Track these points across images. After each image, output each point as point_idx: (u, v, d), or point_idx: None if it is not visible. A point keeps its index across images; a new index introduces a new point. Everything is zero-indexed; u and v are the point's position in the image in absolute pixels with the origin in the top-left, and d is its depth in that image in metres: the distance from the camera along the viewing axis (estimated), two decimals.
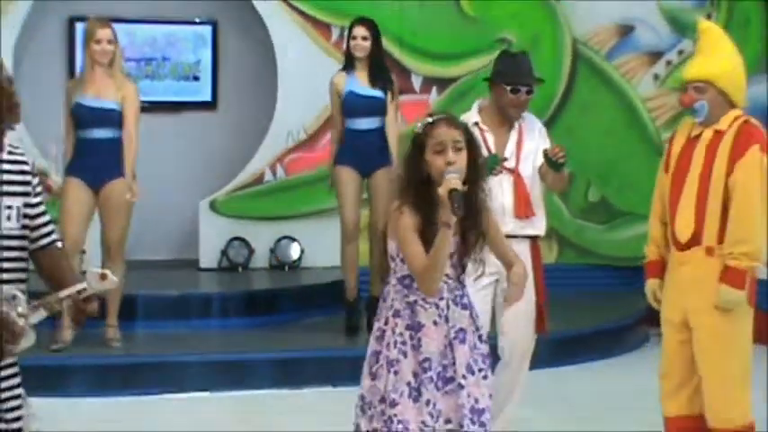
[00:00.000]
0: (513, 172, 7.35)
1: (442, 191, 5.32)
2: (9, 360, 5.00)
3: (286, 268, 11.99)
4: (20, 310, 4.82)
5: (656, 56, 12.51)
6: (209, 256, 11.97)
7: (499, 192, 7.24)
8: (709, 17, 12.00)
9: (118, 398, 9.14)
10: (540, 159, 7.40)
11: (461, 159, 5.45)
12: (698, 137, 7.10)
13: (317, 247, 11.75)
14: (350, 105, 10.16)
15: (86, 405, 8.82)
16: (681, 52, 12.40)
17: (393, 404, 5.51)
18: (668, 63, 12.48)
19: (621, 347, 11.15)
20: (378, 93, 10.17)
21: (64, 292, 4.96)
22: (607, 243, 12.53)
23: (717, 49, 7.23)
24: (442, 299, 5.56)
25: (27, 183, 5.07)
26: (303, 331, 10.42)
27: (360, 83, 10.18)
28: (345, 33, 10.62)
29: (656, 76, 12.54)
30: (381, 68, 10.30)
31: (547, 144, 7.63)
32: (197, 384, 9.44)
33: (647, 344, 11.42)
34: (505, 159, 7.30)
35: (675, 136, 7.34)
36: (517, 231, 7.37)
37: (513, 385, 7.54)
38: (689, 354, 7.13)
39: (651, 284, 7.35)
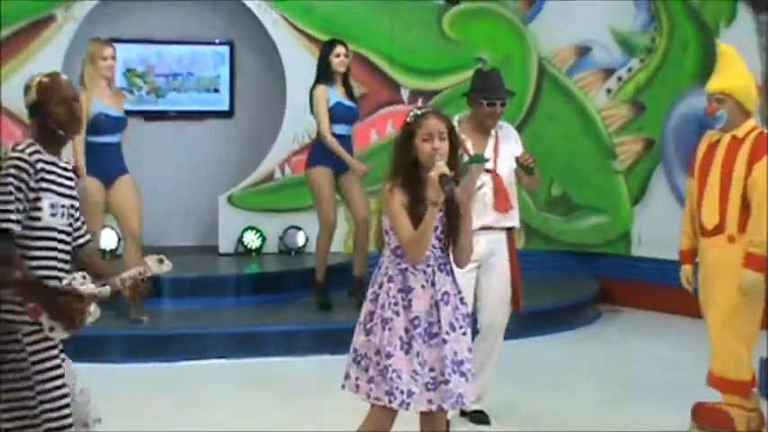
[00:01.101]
0: (492, 172, 7.36)
1: (433, 174, 5.38)
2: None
3: (293, 253, 12.02)
4: (89, 287, 4.90)
5: (608, 72, 12.42)
6: (226, 242, 12.00)
7: (481, 190, 7.34)
8: (653, 40, 12.02)
9: (147, 364, 9.18)
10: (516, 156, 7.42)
11: (445, 147, 5.52)
12: (718, 142, 7.35)
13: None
14: (337, 114, 10.09)
15: (120, 370, 8.86)
16: (630, 69, 12.28)
17: (388, 356, 5.55)
18: (619, 79, 12.36)
19: (578, 322, 11.18)
20: (353, 104, 10.21)
21: (127, 273, 5.06)
22: (567, 232, 12.48)
23: (733, 66, 7.49)
24: (429, 266, 5.60)
25: (74, 188, 5.15)
26: (306, 307, 10.39)
27: (339, 95, 10.13)
28: (320, 49, 10.45)
29: (608, 90, 12.43)
30: (348, 82, 10.29)
31: (521, 149, 7.63)
32: (215, 353, 9.48)
33: (599, 319, 11.51)
34: (487, 160, 7.29)
35: (699, 146, 7.53)
36: (496, 224, 7.45)
37: (490, 354, 7.59)
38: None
39: (684, 270, 7.64)
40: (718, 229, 7.34)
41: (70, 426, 4.99)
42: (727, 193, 7.28)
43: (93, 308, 5.00)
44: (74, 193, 5.16)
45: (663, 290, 11.50)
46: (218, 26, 12.29)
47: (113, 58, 9.51)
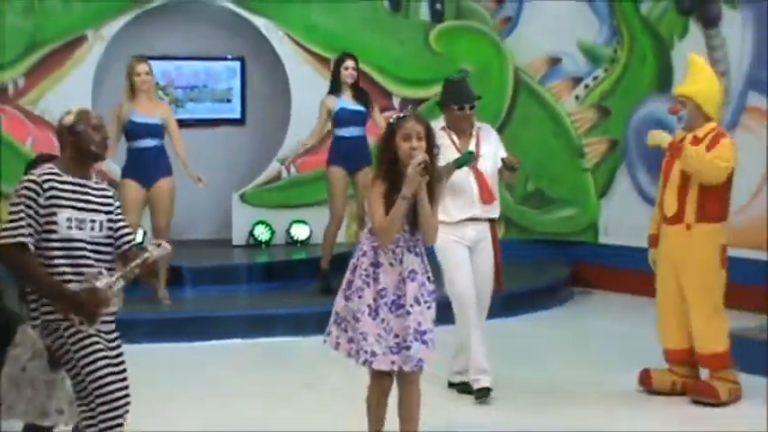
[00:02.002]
0: (475, 169, 7.39)
1: (413, 164, 5.54)
2: (109, 319, 5.19)
3: (298, 245, 11.99)
4: (106, 281, 5.00)
5: (576, 81, 12.39)
6: (239, 235, 12.01)
7: (467, 184, 7.37)
8: (615, 52, 12.02)
9: (170, 344, 9.20)
10: (498, 160, 7.44)
11: (422, 146, 5.62)
12: (682, 140, 7.42)
13: (322, 228, 11.29)
14: (343, 119, 10.16)
15: (146, 350, 8.80)
16: (595, 78, 12.26)
17: (357, 320, 5.72)
18: (586, 86, 12.34)
19: (552, 303, 11.17)
20: (361, 108, 10.22)
21: (134, 263, 5.16)
22: (541, 223, 12.48)
23: (699, 74, 7.57)
24: (398, 246, 5.73)
25: (110, 204, 5.26)
26: (311, 293, 10.35)
27: (347, 101, 10.17)
28: (332, 63, 10.54)
29: (576, 97, 12.41)
30: (360, 89, 10.32)
31: (501, 148, 7.66)
32: (230, 334, 9.48)
33: (571, 300, 11.51)
34: (477, 158, 7.34)
35: (669, 146, 7.61)
36: (482, 215, 7.50)
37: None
38: (676, 301, 7.55)
39: (651, 253, 7.80)
40: (677, 218, 7.44)
41: (119, 399, 5.08)
42: (686, 185, 7.37)
43: (116, 299, 5.11)
44: (109, 209, 5.26)
45: (627, 273, 11.52)
46: (230, 44, 12.28)
47: (147, 73, 9.54)
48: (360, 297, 5.76)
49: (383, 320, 5.74)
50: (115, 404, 5.06)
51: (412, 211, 5.71)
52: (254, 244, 11.96)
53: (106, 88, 11.48)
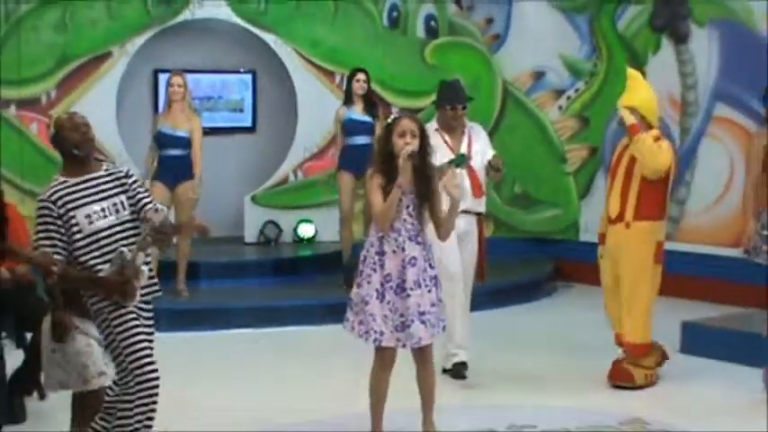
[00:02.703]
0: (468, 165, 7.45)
1: (403, 155, 5.77)
2: (147, 306, 5.29)
3: (305, 242, 12.00)
4: (127, 258, 5.07)
5: (559, 93, 12.44)
6: (251, 233, 12.02)
7: (460, 179, 7.52)
8: (595, 66, 12.07)
9: (187, 333, 9.27)
10: (488, 158, 7.59)
11: (415, 142, 5.81)
12: (626, 147, 7.53)
13: (327, 227, 11.79)
14: (351, 128, 10.32)
15: (166, 338, 8.76)
16: (577, 90, 12.31)
17: (366, 303, 5.88)
18: (568, 98, 12.39)
19: (537, 295, 11.25)
20: (369, 119, 10.36)
21: (143, 234, 5.19)
22: (527, 222, 12.51)
23: (640, 87, 7.73)
24: (400, 235, 5.90)
25: (123, 183, 5.30)
26: (317, 286, 10.50)
27: (357, 112, 10.33)
28: (346, 77, 10.69)
29: (560, 107, 12.44)
30: (371, 102, 10.48)
31: (489, 147, 7.79)
32: (242, 323, 9.57)
33: (554, 293, 11.58)
34: (469, 160, 7.39)
35: (615, 151, 7.73)
36: (472, 208, 7.62)
37: (465, 308, 7.79)
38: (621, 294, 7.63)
39: (600, 249, 7.88)
40: (619, 218, 7.53)
41: (155, 378, 5.18)
42: (628, 188, 7.46)
43: (141, 272, 5.13)
44: (123, 189, 5.29)
45: None
46: (243, 58, 12.29)
47: (180, 85, 9.68)
48: (369, 283, 5.94)
49: (389, 302, 5.91)
50: (152, 382, 5.16)
51: (416, 205, 5.93)
52: (264, 241, 11.97)
53: (129, 98, 11.57)
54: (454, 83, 7.99)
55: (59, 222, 5.11)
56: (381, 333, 5.92)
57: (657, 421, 6.83)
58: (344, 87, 10.65)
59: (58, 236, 5.11)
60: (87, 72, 11.36)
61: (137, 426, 5.16)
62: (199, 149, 9.84)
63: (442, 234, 6.10)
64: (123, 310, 5.10)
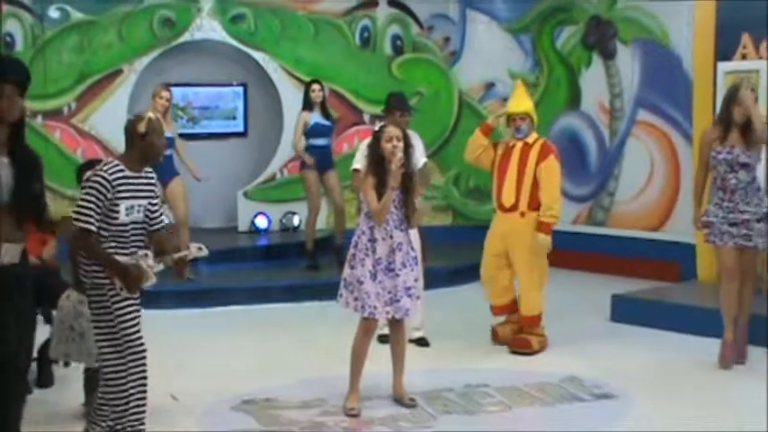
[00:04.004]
0: None
1: (395, 162, 5.84)
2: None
3: (290, 231, 12.01)
4: (150, 262, 5.00)
5: (507, 101, 12.42)
6: (243, 224, 11.98)
7: None
8: (537, 78, 12.13)
9: (189, 310, 9.23)
10: (419, 165, 7.33)
11: (400, 145, 5.93)
12: (513, 147, 7.57)
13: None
14: (315, 131, 10.22)
15: (171, 314, 8.92)
16: None
17: (361, 283, 5.97)
18: None
19: None
20: (329, 123, 10.34)
21: (177, 255, 5.16)
22: (481, 212, 12.35)
23: (525, 97, 7.73)
24: (388, 225, 5.99)
25: (152, 191, 5.18)
26: (301, 269, 10.42)
27: (317, 117, 10.24)
28: (304, 87, 10.57)
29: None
30: (326, 108, 10.41)
31: (423, 155, 7.67)
32: (237, 301, 9.54)
33: None
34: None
35: (497, 148, 7.69)
36: None
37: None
38: (507, 273, 7.69)
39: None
40: (514, 207, 7.54)
41: (142, 345, 5.07)
42: (521, 182, 7.49)
43: (153, 277, 5.05)
44: (152, 194, 5.18)
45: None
46: (236, 73, 12.27)
47: (168, 99, 9.55)
48: (362, 266, 6.02)
49: (380, 282, 6.02)
50: (141, 352, 5.08)
51: (401, 199, 6.01)
52: (254, 231, 11.93)
53: (138, 109, 11.34)
54: (400, 95, 8.05)
55: (106, 203, 4.95)
56: (375, 307, 6.02)
57: (591, 379, 6.89)
58: (303, 95, 10.51)
59: (98, 210, 4.93)
60: (102, 87, 11.34)
61: (132, 392, 5.09)
62: (182, 147, 9.82)
63: (413, 222, 6.19)
64: (121, 293, 5.02)
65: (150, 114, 5.27)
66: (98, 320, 5.10)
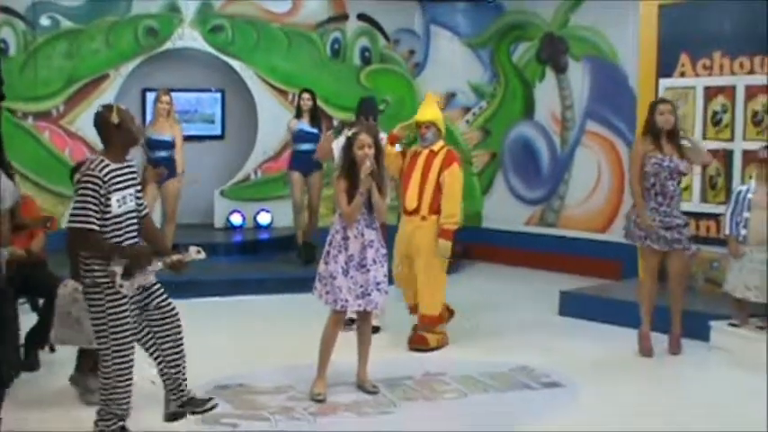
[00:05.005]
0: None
1: (364, 170, 5.86)
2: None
3: (263, 228, 12.00)
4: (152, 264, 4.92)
5: (467, 110, 12.51)
6: (219, 220, 12.00)
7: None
8: (495, 89, 12.16)
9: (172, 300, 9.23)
10: None
11: (372, 152, 5.95)
12: (419, 153, 7.41)
13: (281, 215, 11.76)
14: (301, 137, 10.23)
15: None
16: (480, 108, 12.39)
17: (334, 278, 5.97)
18: (474, 114, 12.48)
19: (449, 270, 10.70)
20: (315, 130, 10.29)
21: (176, 256, 5.10)
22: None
23: (433, 106, 7.53)
24: (359, 224, 6.00)
25: (135, 178, 5.07)
26: (274, 263, 10.46)
27: (306, 124, 10.27)
28: (297, 96, 10.58)
29: (467, 121, 12.53)
30: (316, 116, 10.43)
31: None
32: (214, 292, 9.50)
33: (463, 269, 11.39)
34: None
35: (406, 155, 7.50)
36: None
37: None
38: (413, 272, 7.49)
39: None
40: (416, 211, 7.37)
41: (130, 349, 5.00)
42: (423, 187, 7.32)
43: (152, 275, 5.02)
44: (135, 182, 5.05)
45: (502, 249, 11.84)
46: (214, 80, 12.25)
47: (168, 102, 9.58)
48: (335, 262, 6.03)
49: (352, 277, 6.03)
50: (128, 357, 5.00)
51: (368, 200, 6.01)
52: (230, 227, 11.93)
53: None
54: (370, 99, 8.03)
55: (101, 199, 4.83)
56: (346, 301, 6.03)
57: (541, 369, 6.94)
58: (295, 104, 10.58)
59: (97, 209, 4.82)
60: (89, 91, 11.30)
61: (116, 384, 5.05)
62: (181, 151, 9.75)
63: (380, 217, 6.18)
64: (119, 289, 4.90)
65: (116, 103, 5.18)
66: (95, 318, 5.02)
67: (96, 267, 4.92)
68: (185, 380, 5.27)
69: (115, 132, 4.99)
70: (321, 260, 6.16)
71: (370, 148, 5.99)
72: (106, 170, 4.88)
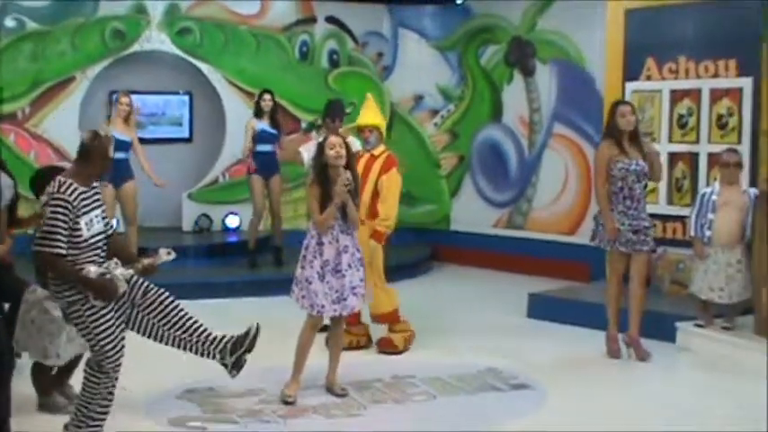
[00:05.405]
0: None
1: (339, 182, 5.87)
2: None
3: (231, 231, 11.97)
4: (120, 270, 4.92)
5: (435, 113, 12.58)
6: (187, 223, 11.95)
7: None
8: (463, 92, 12.24)
9: None
10: None
11: (343, 152, 5.94)
12: (360, 157, 7.31)
13: (249, 218, 11.50)
14: (261, 138, 10.15)
15: None
16: (448, 110, 12.44)
17: (310, 283, 6.00)
18: (442, 117, 12.54)
19: (418, 273, 11.31)
20: (275, 131, 10.26)
21: (147, 261, 5.07)
22: (411, 216, 12.40)
23: (375, 110, 7.52)
24: (334, 230, 6.00)
25: (100, 199, 5.07)
26: (241, 266, 10.41)
27: (264, 125, 10.19)
28: (256, 96, 10.52)
29: (435, 124, 12.59)
30: (275, 117, 10.36)
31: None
32: (182, 296, 8.99)
33: (431, 271, 11.65)
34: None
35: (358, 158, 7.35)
36: None
37: None
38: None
39: None
40: None
41: (117, 355, 5.00)
42: (362, 191, 7.08)
43: (124, 284, 4.95)
44: (101, 203, 5.09)
45: (470, 251, 11.90)
46: (182, 82, 12.21)
47: (127, 104, 9.45)
48: (311, 267, 6.03)
49: (328, 282, 6.04)
50: (116, 363, 5.01)
51: (342, 207, 6.01)
52: (198, 230, 11.91)
53: (89, 114, 11.36)
54: (338, 102, 8.01)
55: (71, 223, 4.82)
56: (323, 306, 6.05)
57: (508, 370, 6.98)
58: (255, 104, 10.48)
59: (65, 233, 4.82)
60: (55, 93, 11.25)
61: (101, 398, 5.05)
62: (142, 151, 9.62)
63: (355, 226, 6.17)
64: (96, 303, 4.91)
65: (106, 132, 5.18)
66: (82, 334, 5.02)
67: (67, 287, 4.92)
68: (214, 336, 5.17)
69: (100, 161, 5.04)
70: (298, 264, 6.17)
71: (342, 148, 6.02)
72: (75, 194, 4.88)
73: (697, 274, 7.65)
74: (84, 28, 11.39)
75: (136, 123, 9.89)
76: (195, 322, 5.18)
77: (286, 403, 6.09)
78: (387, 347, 7.48)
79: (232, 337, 5.20)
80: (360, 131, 7.50)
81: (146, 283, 5.14)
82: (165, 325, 5.14)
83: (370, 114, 7.48)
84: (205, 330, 5.17)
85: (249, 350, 5.22)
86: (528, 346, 7.85)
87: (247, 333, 5.22)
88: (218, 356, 5.19)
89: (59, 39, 11.27)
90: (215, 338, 5.17)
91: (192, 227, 11.95)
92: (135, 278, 5.10)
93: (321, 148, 6.09)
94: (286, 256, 10.16)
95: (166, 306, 5.16)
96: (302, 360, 6.23)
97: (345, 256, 6.09)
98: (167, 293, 5.19)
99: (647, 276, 7.65)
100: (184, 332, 5.15)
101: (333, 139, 6.07)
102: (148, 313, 5.15)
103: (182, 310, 5.18)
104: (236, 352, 5.18)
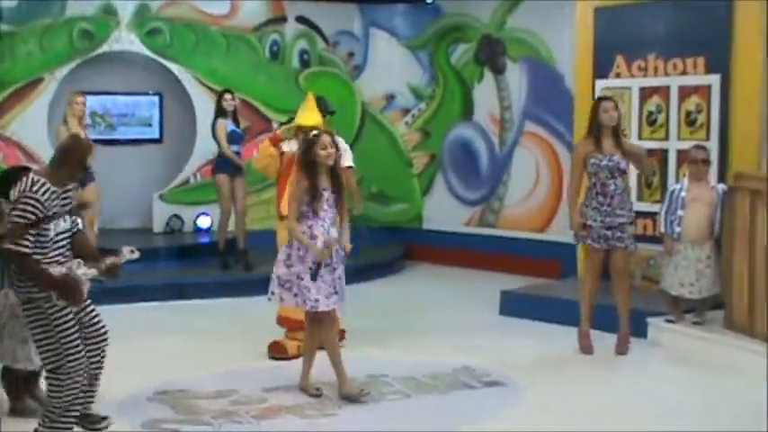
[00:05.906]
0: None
1: (319, 255, 5.90)
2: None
3: (202, 232, 11.90)
4: (83, 269, 4.86)
5: (406, 112, 12.60)
6: (158, 225, 11.87)
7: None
8: (434, 91, 12.26)
9: (109, 306, 8.48)
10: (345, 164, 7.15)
11: (333, 151, 5.99)
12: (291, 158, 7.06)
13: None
14: (232, 138, 10.16)
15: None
16: (419, 109, 12.46)
17: (301, 279, 5.98)
18: (413, 115, 12.56)
19: (391, 271, 11.37)
20: (241, 131, 10.32)
21: (110, 260, 4.98)
22: (383, 214, 12.61)
23: (314, 109, 7.23)
24: (325, 222, 5.98)
25: (71, 197, 5.03)
26: (213, 267, 10.35)
27: (232, 125, 10.19)
28: (216, 96, 10.51)
29: (406, 123, 12.61)
30: (237, 117, 10.38)
31: (348, 160, 7.33)
32: (154, 297, 9.42)
33: (404, 269, 11.67)
34: None
35: (283, 158, 7.30)
36: None
37: None
38: None
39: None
40: (281, 216, 7.08)
41: (81, 353, 4.96)
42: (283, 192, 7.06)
43: (87, 283, 4.90)
44: (70, 202, 5.04)
45: (442, 250, 11.94)
46: (152, 83, 12.13)
47: (83, 104, 9.40)
48: (302, 263, 6.00)
49: (321, 276, 6.01)
50: (80, 360, 4.96)
51: (334, 199, 6.02)
52: (169, 231, 11.86)
53: (58, 116, 11.10)
54: (320, 99, 7.86)
55: (41, 224, 4.79)
56: (317, 300, 6.02)
57: (482, 368, 6.97)
58: (216, 104, 10.44)
59: (32, 232, 4.78)
60: (23, 95, 11.16)
61: (70, 400, 4.99)
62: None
63: (344, 220, 6.20)
64: (59, 303, 4.88)
65: (85, 135, 5.19)
66: (37, 333, 4.97)
67: (30, 284, 4.88)
68: (94, 395, 5.29)
69: (77, 165, 5.02)
70: (280, 264, 6.12)
71: (332, 148, 6.03)
72: (48, 194, 4.84)
73: (667, 270, 7.69)
74: (52, 29, 11.30)
75: (110, 123, 9.81)
76: (100, 372, 5.27)
77: (314, 396, 6.18)
78: (277, 353, 7.24)
79: (91, 415, 5.35)
80: (300, 132, 7.21)
81: (96, 311, 5.17)
82: (88, 353, 5.13)
83: (311, 115, 7.24)
84: (97, 386, 5.28)
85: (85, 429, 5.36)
86: (501, 344, 7.85)
87: (102, 419, 5.41)
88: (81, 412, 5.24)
89: (27, 40, 11.18)
90: (91, 397, 5.27)
91: (163, 228, 11.89)
92: (88, 302, 5.10)
93: (310, 144, 6.07)
94: (252, 258, 10.12)
95: (100, 340, 5.22)
96: (310, 358, 6.31)
97: (335, 250, 6.09)
98: (106, 331, 5.23)
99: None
100: (92, 372, 5.20)
101: (325, 138, 6.06)
102: (83, 333, 5.11)
103: (105, 354, 5.25)
104: (80, 420, 5.25)
